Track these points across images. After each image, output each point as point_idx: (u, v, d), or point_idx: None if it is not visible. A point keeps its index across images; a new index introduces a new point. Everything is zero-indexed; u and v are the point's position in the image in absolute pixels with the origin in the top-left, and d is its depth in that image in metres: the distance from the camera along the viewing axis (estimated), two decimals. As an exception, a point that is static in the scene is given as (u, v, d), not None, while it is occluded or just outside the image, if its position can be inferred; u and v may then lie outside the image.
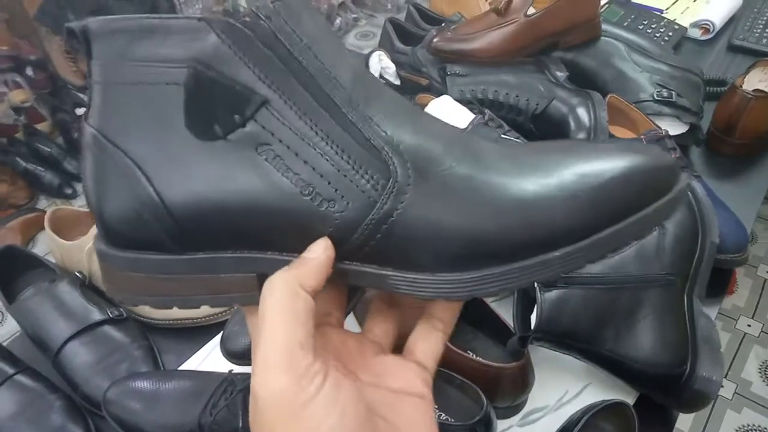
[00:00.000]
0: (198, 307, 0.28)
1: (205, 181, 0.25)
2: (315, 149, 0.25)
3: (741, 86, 0.80)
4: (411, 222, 0.25)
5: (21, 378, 0.57)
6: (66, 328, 0.61)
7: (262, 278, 0.27)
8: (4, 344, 0.62)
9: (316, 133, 0.25)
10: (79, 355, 0.60)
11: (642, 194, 0.25)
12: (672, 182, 0.26)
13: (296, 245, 0.26)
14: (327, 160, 0.25)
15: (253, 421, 0.24)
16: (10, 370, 0.57)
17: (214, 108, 0.25)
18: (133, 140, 0.26)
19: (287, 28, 0.25)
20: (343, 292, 0.32)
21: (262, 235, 0.26)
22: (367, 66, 0.94)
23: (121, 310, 0.64)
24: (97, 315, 0.62)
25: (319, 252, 0.25)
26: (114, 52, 0.25)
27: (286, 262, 0.26)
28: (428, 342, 0.30)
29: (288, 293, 0.24)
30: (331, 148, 0.25)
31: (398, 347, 0.32)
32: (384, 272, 0.26)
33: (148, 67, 0.25)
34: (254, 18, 0.25)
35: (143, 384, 0.56)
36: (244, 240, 0.26)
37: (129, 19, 0.25)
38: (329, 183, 0.25)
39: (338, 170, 0.25)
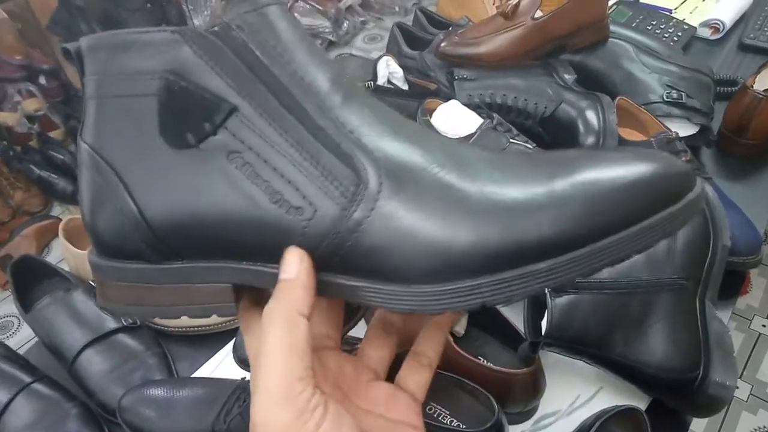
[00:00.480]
0: (178, 317, 0.28)
1: (179, 190, 0.26)
2: (284, 156, 0.25)
3: (752, 86, 0.79)
4: (382, 231, 0.24)
5: (38, 386, 0.58)
6: (81, 337, 0.62)
7: (237, 288, 0.27)
8: (21, 352, 0.63)
9: (286, 140, 0.25)
10: (95, 363, 0.61)
11: (646, 203, 0.24)
12: (683, 190, 0.25)
13: (269, 255, 0.26)
14: (295, 167, 0.25)
15: None
16: (28, 379, 0.58)
17: (185, 116, 0.25)
18: (116, 152, 0.27)
19: (259, 37, 0.25)
20: (340, 312, 0.32)
21: (236, 245, 0.26)
22: (375, 71, 0.95)
23: (135, 317, 0.65)
24: (111, 323, 0.63)
25: (296, 267, 0.25)
26: (99, 66, 0.26)
27: (260, 272, 0.26)
28: (418, 376, 0.31)
29: (286, 325, 0.24)
30: (300, 154, 0.25)
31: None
32: (357, 283, 0.26)
33: (128, 80, 0.26)
34: (225, 28, 0.25)
35: (157, 391, 0.56)
36: (219, 250, 0.27)
37: (112, 34, 0.26)
38: (297, 190, 0.25)
39: (306, 177, 0.25)
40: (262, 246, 0.26)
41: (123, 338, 0.63)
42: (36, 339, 0.67)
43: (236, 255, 0.27)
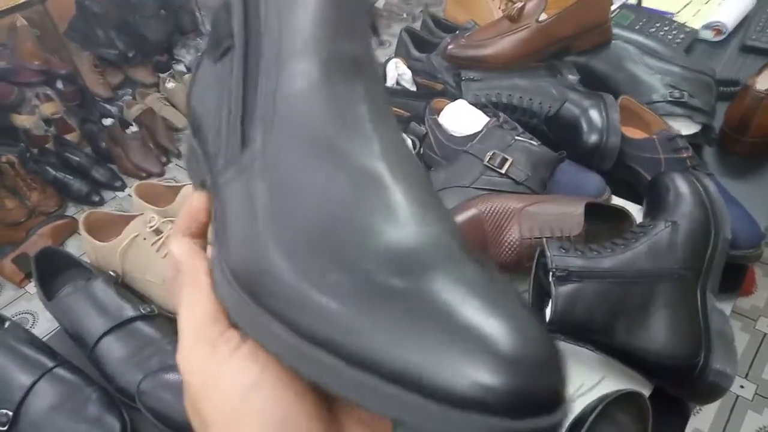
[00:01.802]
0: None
1: (201, 87, 0.30)
2: (229, 102, 0.26)
3: (753, 86, 0.81)
4: (222, 202, 0.25)
5: (60, 371, 0.60)
6: (101, 324, 0.64)
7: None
8: (44, 339, 0.66)
9: (237, 91, 0.26)
10: (114, 350, 0.63)
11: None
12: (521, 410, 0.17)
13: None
14: (228, 113, 0.26)
15: (186, 403, 0.24)
16: (50, 363, 0.60)
17: (214, 37, 0.28)
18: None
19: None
20: None
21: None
22: (384, 73, 0.97)
23: (153, 306, 0.67)
24: (130, 311, 0.65)
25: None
26: None
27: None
28: None
29: (189, 259, 0.26)
30: (232, 108, 0.26)
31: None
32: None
33: None
34: None
35: (175, 376, 0.58)
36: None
37: None
38: (219, 128, 0.26)
39: (228, 122, 0.26)
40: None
41: (141, 326, 0.65)
42: (52, 334, 0.70)
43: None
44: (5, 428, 0.55)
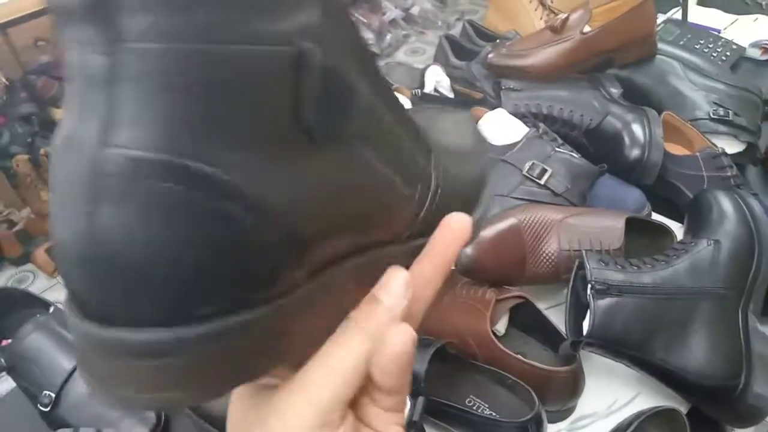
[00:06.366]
0: None
1: None
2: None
3: (801, 106, 0.80)
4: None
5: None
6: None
7: None
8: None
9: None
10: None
11: None
12: None
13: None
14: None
15: None
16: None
17: None
18: None
19: None
20: None
21: None
22: (422, 80, 0.98)
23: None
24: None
25: (402, 293, 0.22)
26: None
27: None
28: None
29: (366, 344, 0.21)
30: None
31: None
32: None
33: None
34: None
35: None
36: None
37: None
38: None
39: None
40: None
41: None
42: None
43: None
44: (47, 409, 0.57)
